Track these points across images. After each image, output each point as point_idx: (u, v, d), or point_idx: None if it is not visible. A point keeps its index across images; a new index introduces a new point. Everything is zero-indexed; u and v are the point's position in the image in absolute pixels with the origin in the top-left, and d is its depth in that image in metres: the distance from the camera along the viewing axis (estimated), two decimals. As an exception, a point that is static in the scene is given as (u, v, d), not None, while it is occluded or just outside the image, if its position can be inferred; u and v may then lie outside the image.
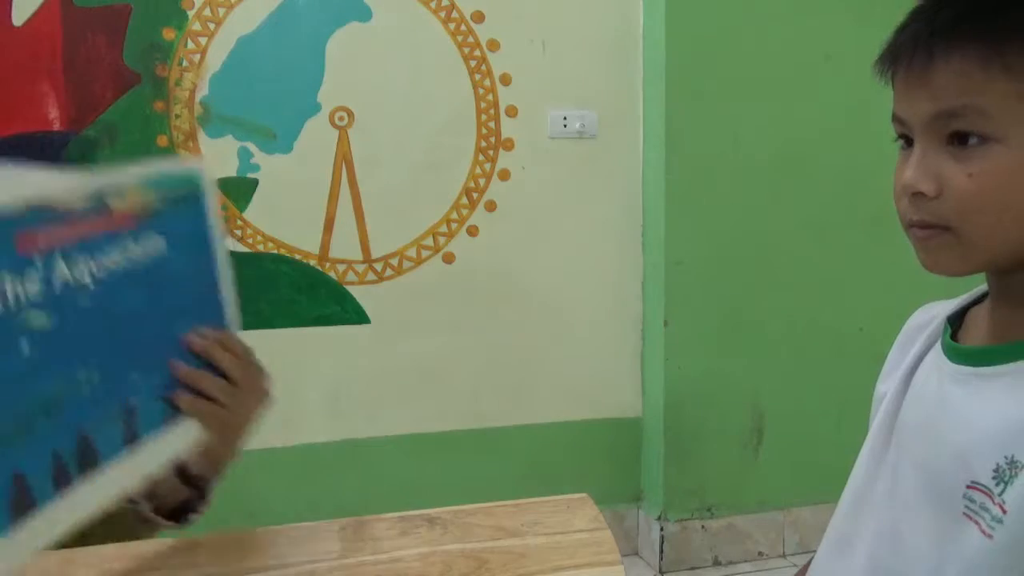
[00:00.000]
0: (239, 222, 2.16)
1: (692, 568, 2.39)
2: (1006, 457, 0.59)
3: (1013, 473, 0.58)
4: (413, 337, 2.29)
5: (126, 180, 0.73)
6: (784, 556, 2.46)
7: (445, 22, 2.25)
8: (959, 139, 0.61)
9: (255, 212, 2.17)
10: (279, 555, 0.86)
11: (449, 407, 2.34)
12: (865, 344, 2.31)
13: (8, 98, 1.99)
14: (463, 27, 2.27)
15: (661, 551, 2.37)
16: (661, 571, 2.37)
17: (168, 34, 2.09)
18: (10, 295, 0.61)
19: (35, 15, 2.00)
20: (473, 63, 2.28)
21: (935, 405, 0.68)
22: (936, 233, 0.63)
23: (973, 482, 0.61)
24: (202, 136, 2.12)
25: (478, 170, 2.31)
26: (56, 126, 2.02)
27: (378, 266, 2.26)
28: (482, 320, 2.35)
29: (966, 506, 0.61)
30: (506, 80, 2.31)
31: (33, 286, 0.63)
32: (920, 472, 0.67)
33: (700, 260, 2.34)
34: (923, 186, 0.62)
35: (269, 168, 2.17)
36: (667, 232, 2.32)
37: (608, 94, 2.38)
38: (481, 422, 2.37)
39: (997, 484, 0.59)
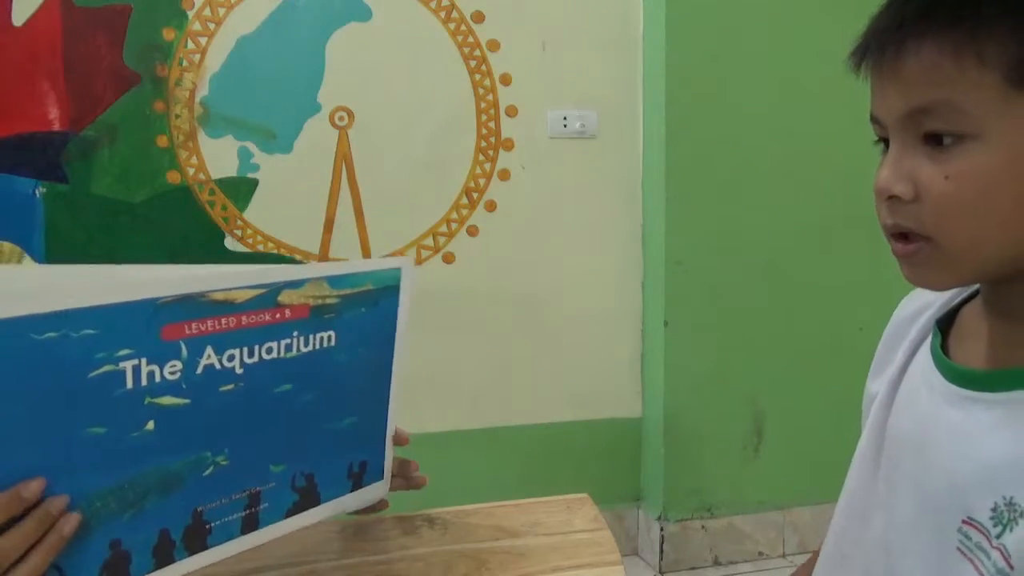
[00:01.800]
0: (239, 222, 2.16)
1: (692, 568, 2.39)
2: (1004, 498, 0.55)
3: (1012, 517, 0.54)
4: (413, 337, 2.27)
5: (305, 276, 0.74)
6: (784, 556, 2.46)
7: (445, 22, 2.25)
8: (934, 139, 0.56)
9: (255, 212, 2.17)
10: (279, 555, 0.86)
11: (449, 407, 2.34)
12: (865, 344, 2.28)
13: (8, 98, 1.99)
14: (463, 27, 2.27)
15: (661, 551, 2.37)
16: (661, 571, 2.37)
17: (168, 34, 2.09)
18: (144, 376, 0.63)
19: (35, 15, 2.00)
20: (473, 63, 2.28)
21: (927, 423, 0.64)
22: (918, 247, 0.58)
23: (969, 518, 0.57)
24: (202, 136, 2.12)
25: (478, 170, 2.31)
26: (56, 126, 2.02)
27: (378, 266, 2.26)
28: (482, 320, 2.34)
29: (960, 541, 0.57)
30: (506, 80, 2.31)
31: (171, 370, 0.65)
32: (914, 491, 0.64)
33: (700, 260, 2.34)
34: (897, 188, 0.57)
35: (269, 168, 2.17)
36: (667, 232, 2.32)
37: (608, 94, 2.38)
38: (481, 422, 2.36)
39: (995, 525, 0.55)
